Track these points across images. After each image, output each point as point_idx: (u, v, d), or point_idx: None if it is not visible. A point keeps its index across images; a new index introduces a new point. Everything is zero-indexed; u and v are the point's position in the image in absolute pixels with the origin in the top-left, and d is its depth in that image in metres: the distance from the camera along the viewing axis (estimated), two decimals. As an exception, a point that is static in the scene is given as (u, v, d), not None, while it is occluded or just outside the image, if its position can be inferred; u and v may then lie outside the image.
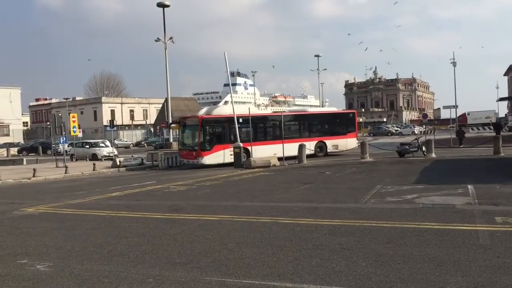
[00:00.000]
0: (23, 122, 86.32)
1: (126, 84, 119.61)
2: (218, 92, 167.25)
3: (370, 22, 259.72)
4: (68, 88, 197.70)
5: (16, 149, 54.00)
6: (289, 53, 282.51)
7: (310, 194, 13.65)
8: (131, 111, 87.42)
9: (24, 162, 36.50)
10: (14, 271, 6.57)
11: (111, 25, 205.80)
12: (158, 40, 36.77)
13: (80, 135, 35.80)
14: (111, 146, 38.84)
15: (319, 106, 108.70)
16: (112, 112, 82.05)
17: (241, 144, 24.94)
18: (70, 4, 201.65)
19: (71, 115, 31.46)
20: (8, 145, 55.86)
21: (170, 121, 29.11)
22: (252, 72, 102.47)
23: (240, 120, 26.01)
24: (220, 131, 26.58)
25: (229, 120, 25.89)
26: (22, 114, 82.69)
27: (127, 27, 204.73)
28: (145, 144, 63.98)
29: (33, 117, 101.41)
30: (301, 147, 25.65)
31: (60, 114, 32.32)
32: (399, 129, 72.37)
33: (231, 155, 25.26)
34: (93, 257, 7.20)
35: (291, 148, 26.39)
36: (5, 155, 49.96)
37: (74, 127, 30.19)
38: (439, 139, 34.89)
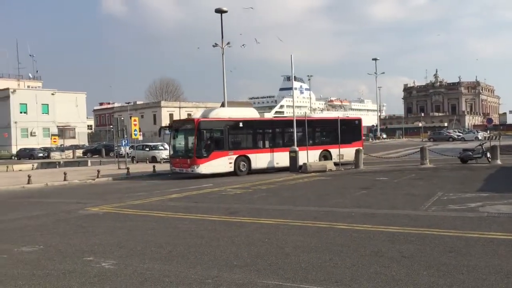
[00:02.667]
0: (88, 125, 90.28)
1: (184, 88, 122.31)
2: (273, 96, 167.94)
3: (432, 24, 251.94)
4: (130, 92, 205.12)
5: (81, 151, 56.57)
6: (346, 57, 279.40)
7: (367, 200, 13.41)
8: (189, 115, 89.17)
9: (89, 164, 38.18)
10: (81, 268, 6.88)
11: (171, 32, 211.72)
12: (215, 45, 37.42)
13: (140, 138, 36.95)
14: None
15: (376, 111, 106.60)
16: (171, 116, 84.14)
17: (297, 148, 24.82)
18: (133, 12, 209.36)
19: (132, 118, 32.61)
20: (74, 147, 58.62)
21: (162, 125, 26.15)
22: (308, 76, 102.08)
23: (240, 125, 24.22)
24: (218, 136, 23.63)
25: (228, 124, 23.72)
26: (87, 118, 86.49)
27: (186, 33, 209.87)
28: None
29: (97, 120, 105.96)
30: (358, 152, 25.23)
31: (122, 118, 33.54)
32: (461, 134, 69.47)
33: (230, 163, 23.22)
34: (154, 257, 7.43)
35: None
36: (71, 156, 52.51)
37: (135, 130, 31.27)
38: (505, 145, 33.17)
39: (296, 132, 26.36)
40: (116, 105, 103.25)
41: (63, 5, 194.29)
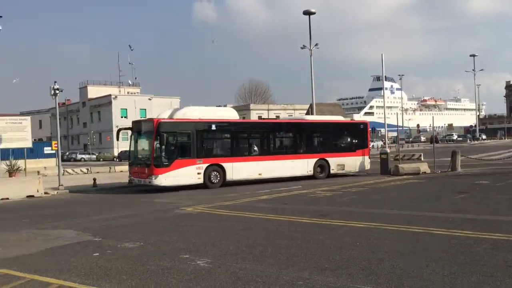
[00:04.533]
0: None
1: (272, 91, 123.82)
2: (362, 97, 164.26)
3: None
4: (220, 96, 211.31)
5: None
6: (439, 54, 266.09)
7: (466, 205, 12.67)
8: (277, 117, 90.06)
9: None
10: (178, 265, 7.20)
11: (259, 35, 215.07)
12: (303, 47, 37.40)
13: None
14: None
15: (475, 110, 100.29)
16: (260, 118, 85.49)
17: (388, 150, 24.03)
18: (223, 18, 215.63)
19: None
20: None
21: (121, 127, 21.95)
22: (399, 75, 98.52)
23: (213, 127, 20.46)
24: (184, 140, 19.75)
25: (197, 126, 19.87)
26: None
27: (273, 35, 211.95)
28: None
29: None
30: (454, 154, 23.87)
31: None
32: None
33: (198, 173, 19.42)
34: (246, 257, 7.57)
35: (283, 167, 21.82)
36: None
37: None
38: None
39: (285, 138, 23.57)
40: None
41: (159, 17, 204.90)
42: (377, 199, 14.88)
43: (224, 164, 20.20)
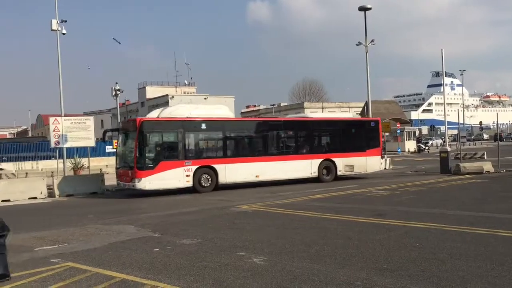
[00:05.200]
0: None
1: (326, 89, 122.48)
2: (421, 94, 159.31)
3: None
4: (274, 95, 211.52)
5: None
6: (504, 48, 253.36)
7: (535, 206, 12.01)
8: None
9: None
10: (235, 262, 7.29)
11: (313, 32, 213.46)
12: (359, 44, 36.77)
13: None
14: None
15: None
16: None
17: (448, 148, 23.13)
18: (277, 17, 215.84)
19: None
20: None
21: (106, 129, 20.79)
22: (460, 70, 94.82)
23: (203, 126, 18.99)
24: (171, 141, 18.63)
25: (185, 125, 18.52)
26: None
27: (328, 33, 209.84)
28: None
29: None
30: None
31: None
32: None
33: (187, 176, 18.04)
34: (302, 255, 7.55)
35: (283, 168, 20.19)
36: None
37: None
38: None
39: (286, 137, 21.82)
40: (261, 107, 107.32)
41: (215, 17, 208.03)
42: (437, 199, 14.41)
43: (217, 166, 18.75)
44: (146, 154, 17.63)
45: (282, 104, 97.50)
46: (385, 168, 26.99)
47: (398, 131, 49.25)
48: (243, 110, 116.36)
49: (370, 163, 22.55)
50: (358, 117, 28.84)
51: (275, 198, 15.75)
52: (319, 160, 21.26)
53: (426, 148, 50.73)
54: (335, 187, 18.67)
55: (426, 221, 10.20)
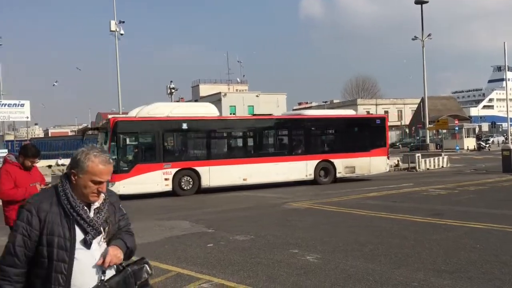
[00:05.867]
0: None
1: (380, 85, 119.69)
2: (481, 89, 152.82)
3: None
4: (327, 91, 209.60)
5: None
6: None
7: None
8: (385, 112, 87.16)
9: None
10: (288, 259, 7.30)
11: (366, 28, 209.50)
12: (415, 38, 35.79)
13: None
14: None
15: None
16: (367, 113, 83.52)
17: (510, 146, 22.05)
18: (329, 12, 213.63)
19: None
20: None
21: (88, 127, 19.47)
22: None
23: (184, 126, 17.72)
24: (148, 142, 17.69)
25: (164, 125, 17.41)
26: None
27: (382, 28, 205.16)
28: (399, 145, 63.03)
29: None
30: None
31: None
32: None
33: (166, 179, 16.98)
34: (356, 254, 7.45)
35: (275, 170, 18.58)
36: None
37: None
38: None
39: (277, 137, 20.51)
40: (313, 104, 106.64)
41: (267, 14, 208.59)
42: (498, 199, 13.79)
43: (199, 168, 17.58)
44: (121, 156, 16.64)
45: (334, 101, 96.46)
46: (428, 168, 26.12)
47: (456, 128, 47.57)
48: (294, 107, 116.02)
49: (374, 164, 20.84)
50: (364, 114, 26.59)
51: (326, 196, 15.62)
52: (316, 161, 19.65)
53: (487, 146, 48.66)
54: (389, 185, 18.27)
55: (486, 222, 9.79)
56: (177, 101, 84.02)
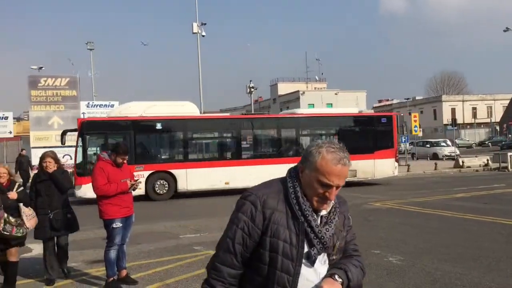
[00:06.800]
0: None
1: (468, 80, 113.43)
2: None
3: None
4: (408, 88, 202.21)
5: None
6: None
7: None
8: (473, 108, 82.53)
9: (369, 160, 39.42)
10: (370, 260, 7.14)
11: (451, 21, 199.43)
12: (507, 30, 33.55)
13: (420, 134, 36.08)
14: (452, 146, 37.74)
15: None
16: (453, 110, 79.41)
17: None
18: (411, 7, 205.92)
19: (412, 114, 32.11)
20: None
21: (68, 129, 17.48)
22: None
23: (158, 126, 16.69)
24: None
25: (136, 125, 16.42)
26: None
27: (468, 21, 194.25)
28: (489, 144, 59.47)
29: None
30: None
31: (401, 114, 33.38)
32: None
33: (140, 183, 15.13)
34: (442, 257, 7.13)
35: (260, 173, 15.41)
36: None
37: (415, 126, 30.71)
38: None
39: (264, 138, 18.89)
40: (394, 101, 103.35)
41: (345, 10, 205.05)
42: None
43: (175, 171, 16.53)
44: (88, 159, 15.74)
45: (417, 98, 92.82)
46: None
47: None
48: (375, 105, 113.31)
49: (380, 167, 18.85)
50: (371, 112, 23.85)
51: (410, 196, 15.08)
52: None
53: None
54: (478, 186, 17.28)
55: None
56: (256, 100, 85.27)
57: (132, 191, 6.29)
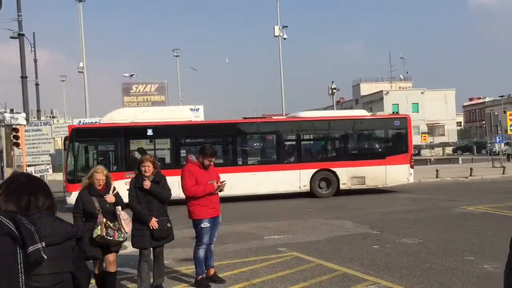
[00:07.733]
0: (457, 122, 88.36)
1: None
2: None
3: None
4: (503, 85, 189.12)
5: (451, 148, 56.16)
6: None
7: None
8: None
9: (460, 161, 37.38)
10: (462, 266, 6.79)
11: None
12: None
13: (517, 133, 33.64)
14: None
15: None
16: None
17: None
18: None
19: (507, 113, 29.96)
20: (443, 145, 58.59)
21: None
22: None
23: (149, 133, 16.07)
24: (108, 150, 16.47)
25: (126, 132, 15.90)
26: (456, 114, 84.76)
27: None
28: None
29: (466, 116, 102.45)
30: None
31: (496, 113, 31.36)
32: None
33: (127, 190, 13.07)
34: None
35: (260, 180, 16.04)
36: (441, 154, 52.59)
37: (511, 125, 28.65)
38: None
39: (264, 143, 18.20)
40: (487, 99, 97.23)
41: (432, 5, 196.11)
42: None
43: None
44: (78, 166, 15.61)
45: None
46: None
47: None
48: (465, 104, 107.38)
49: (392, 173, 17.22)
50: (382, 114, 21.84)
51: (506, 199, 14.11)
52: (312, 171, 16.76)
53: None
54: None
55: None
56: (338, 101, 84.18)
57: (218, 193, 6.45)
